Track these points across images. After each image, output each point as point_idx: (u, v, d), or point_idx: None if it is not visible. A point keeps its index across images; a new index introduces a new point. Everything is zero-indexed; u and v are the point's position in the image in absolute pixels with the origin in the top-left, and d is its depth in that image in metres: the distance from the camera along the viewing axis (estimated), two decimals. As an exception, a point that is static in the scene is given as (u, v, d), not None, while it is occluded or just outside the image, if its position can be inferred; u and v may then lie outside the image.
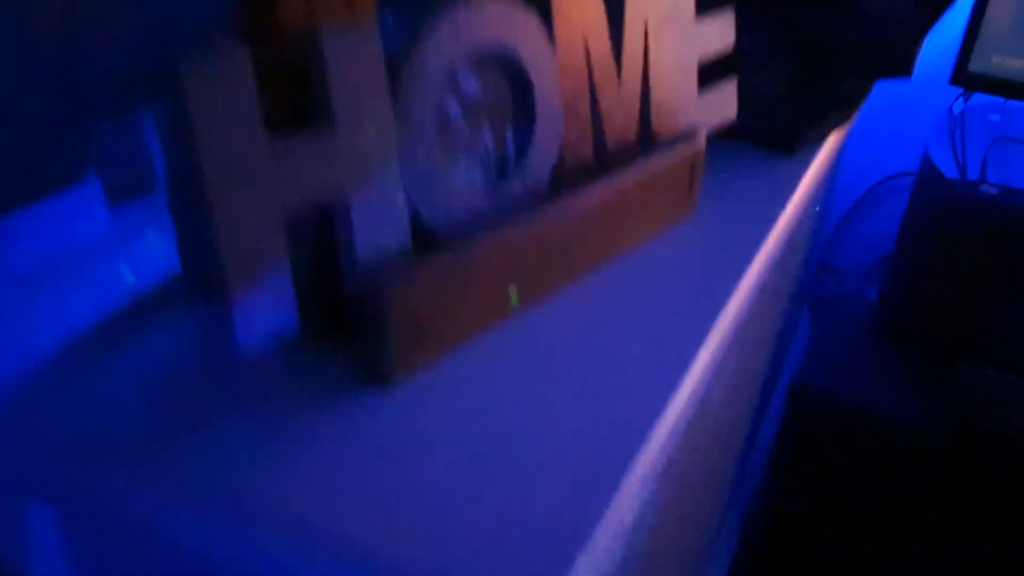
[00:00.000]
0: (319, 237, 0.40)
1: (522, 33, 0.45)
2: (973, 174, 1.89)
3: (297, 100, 0.38)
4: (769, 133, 0.66)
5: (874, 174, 2.25)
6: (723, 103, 0.60)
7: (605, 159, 0.51)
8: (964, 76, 1.82)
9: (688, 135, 0.55)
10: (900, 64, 0.76)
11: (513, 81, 0.46)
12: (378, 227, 0.40)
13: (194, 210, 0.36)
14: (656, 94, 0.54)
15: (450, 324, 0.43)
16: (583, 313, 0.47)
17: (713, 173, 0.62)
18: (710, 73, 0.58)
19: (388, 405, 0.40)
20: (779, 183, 0.62)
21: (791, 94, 0.67)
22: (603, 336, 0.45)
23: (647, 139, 0.54)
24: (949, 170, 1.86)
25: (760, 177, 0.63)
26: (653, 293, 0.49)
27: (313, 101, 0.38)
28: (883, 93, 2.25)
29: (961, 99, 1.90)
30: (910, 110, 2.14)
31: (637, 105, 0.53)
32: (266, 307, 0.37)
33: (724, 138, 0.66)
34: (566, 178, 0.49)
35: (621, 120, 0.52)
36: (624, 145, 0.52)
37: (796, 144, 0.66)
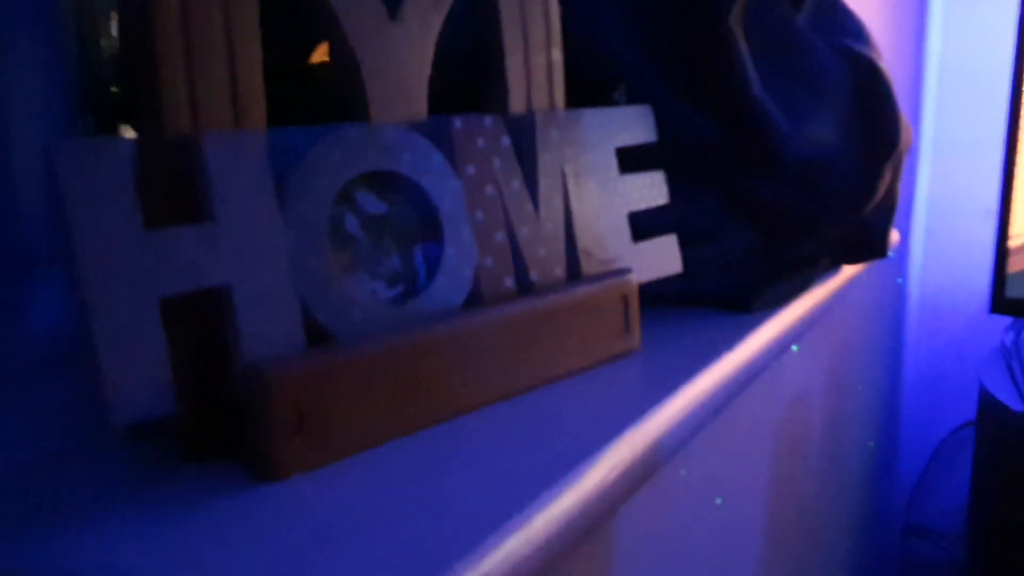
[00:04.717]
0: (211, 333, 0.41)
1: (422, 164, 0.48)
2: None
3: (182, 204, 0.41)
4: (725, 296, 0.66)
5: (941, 427, 2.16)
6: (663, 255, 0.61)
7: (529, 291, 0.52)
8: (1004, 303, 1.80)
9: (619, 271, 0.56)
10: (862, 239, 0.76)
11: (418, 205, 0.48)
12: (265, 319, 0.41)
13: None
14: (583, 239, 0.56)
15: (347, 422, 0.42)
16: (486, 431, 0.46)
17: (667, 322, 0.63)
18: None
19: (267, 500, 0.39)
20: (734, 330, 0.61)
21: (746, 260, 0.68)
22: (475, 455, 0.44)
23: (577, 279, 0.55)
24: (1014, 403, 1.78)
25: (714, 328, 0.62)
26: (556, 419, 0.48)
27: (197, 203, 0.41)
28: (933, 333, 2.21)
29: (1011, 328, 1.86)
30: (962, 347, 2.09)
31: (561, 244, 0.54)
32: (139, 384, 0.38)
33: (681, 304, 0.67)
34: (485, 303, 0.50)
35: (545, 256, 0.53)
36: (551, 283, 0.54)
37: (753, 303, 0.66)
